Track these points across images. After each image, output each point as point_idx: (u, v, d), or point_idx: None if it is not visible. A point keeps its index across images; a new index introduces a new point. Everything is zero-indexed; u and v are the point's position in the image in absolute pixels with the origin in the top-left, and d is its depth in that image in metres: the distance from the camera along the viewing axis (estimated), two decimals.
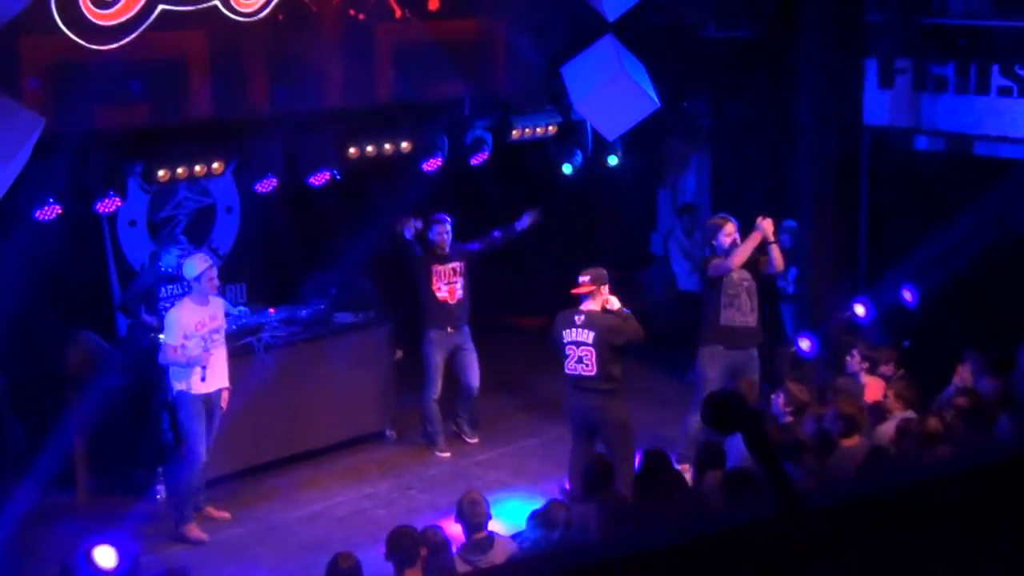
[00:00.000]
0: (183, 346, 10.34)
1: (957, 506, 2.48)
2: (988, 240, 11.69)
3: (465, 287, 12.10)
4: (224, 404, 10.71)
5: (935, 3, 12.70)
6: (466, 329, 12.19)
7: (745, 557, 2.25)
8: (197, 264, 10.51)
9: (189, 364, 10.37)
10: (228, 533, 10.70)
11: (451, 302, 12.04)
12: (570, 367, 10.42)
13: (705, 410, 2.63)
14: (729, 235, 11.15)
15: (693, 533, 2.24)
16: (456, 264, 12.07)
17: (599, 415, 10.43)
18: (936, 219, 12.13)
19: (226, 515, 10.93)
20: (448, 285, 12.03)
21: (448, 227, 11.97)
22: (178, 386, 10.47)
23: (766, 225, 11.07)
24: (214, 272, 10.53)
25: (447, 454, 12.15)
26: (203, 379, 10.43)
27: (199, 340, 10.43)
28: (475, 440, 12.44)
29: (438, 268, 11.98)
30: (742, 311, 11.17)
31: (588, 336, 10.29)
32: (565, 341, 10.40)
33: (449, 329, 12.06)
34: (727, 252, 11.15)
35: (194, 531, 10.57)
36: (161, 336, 10.52)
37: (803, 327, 12.11)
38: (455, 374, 12.27)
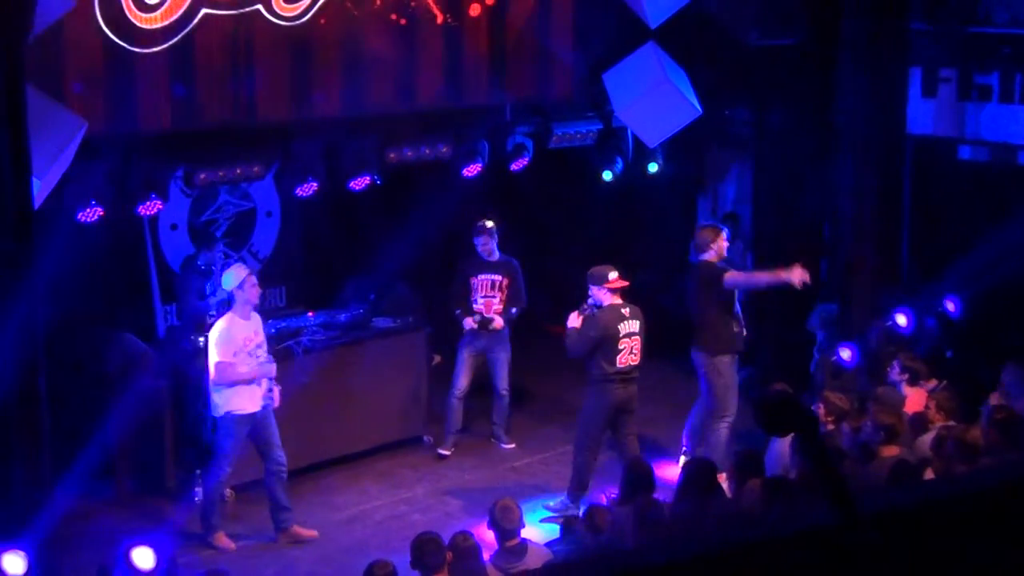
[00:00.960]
0: (232, 364, 10.21)
1: (1008, 516, 2.43)
2: None
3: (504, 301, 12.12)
4: (276, 401, 10.56)
5: (980, 12, 12.59)
6: (502, 332, 12.18)
7: (800, 564, 2.22)
8: (237, 273, 10.38)
9: (247, 381, 10.25)
10: (268, 535, 10.70)
11: (487, 314, 12.11)
12: (623, 360, 10.79)
13: (760, 414, 2.59)
14: (719, 246, 11.33)
15: (744, 540, 2.20)
16: (496, 277, 12.10)
17: (634, 403, 11.05)
18: (979, 229, 12.02)
19: (313, 533, 10.71)
20: (485, 299, 12.10)
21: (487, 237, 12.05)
22: (223, 408, 10.31)
23: (795, 277, 10.88)
24: (255, 279, 10.44)
25: (447, 452, 12.14)
26: (258, 396, 10.34)
27: (246, 356, 10.32)
28: (511, 446, 12.42)
29: (477, 279, 12.07)
30: (739, 320, 11.48)
31: (637, 327, 10.83)
32: (621, 334, 10.71)
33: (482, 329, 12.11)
34: (728, 262, 11.62)
35: (222, 540, 10.51)
36: (211, 354, 10.23)
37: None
38: (485, 378, 12.28)
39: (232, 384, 10.22)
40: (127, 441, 11.14)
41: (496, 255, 12.14)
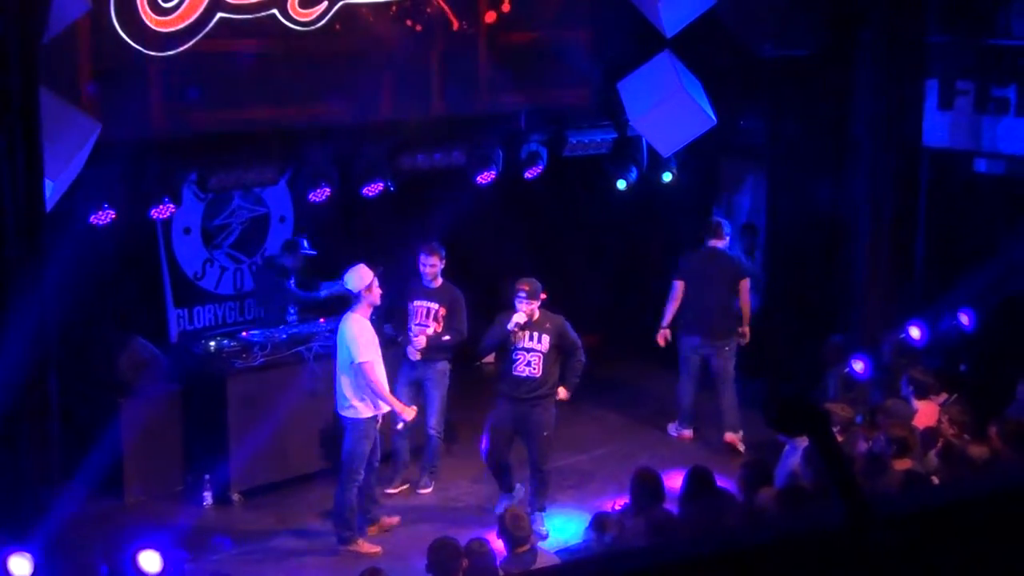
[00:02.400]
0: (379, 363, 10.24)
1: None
2: None
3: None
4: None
5: (999, 24, 12.54)
6: (436, 364, 11.35)
7: (811, 565, 2.19)
8: (364, 274, 10.27)
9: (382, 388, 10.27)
10: (275, 541, 10.69)
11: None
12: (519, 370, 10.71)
13: (773, 413, 2.56)
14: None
15: (755, 541, 2.17)
16: (433, 306, 11.33)
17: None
18: (995, 242, 11.98)
19: (395, 520, 10.86)
20: (419, 327, 11.31)
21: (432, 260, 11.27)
22: (358, 409, 10.24)
23: None
24: (377, 280, 10.37)
25: (394, 491, 11.41)
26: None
27: (378, 354, 10.35)
28: (427, 490, 11.49)
29: (414, 305, 11.38)
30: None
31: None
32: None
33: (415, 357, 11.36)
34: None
35: (365, 546, 10.41)
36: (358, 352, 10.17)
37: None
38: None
39: (379, 388, 10.22)
40: (137, 445, 11.12)
41: (439, 281, 11.28)
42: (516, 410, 10.71)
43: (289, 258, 12.09)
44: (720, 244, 12.65)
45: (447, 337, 11.25)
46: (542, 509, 10.86)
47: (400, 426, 10.89)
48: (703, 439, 12.69)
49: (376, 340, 10.33)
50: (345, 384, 10.28)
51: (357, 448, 10.28)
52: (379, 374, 10.27)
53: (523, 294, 10.54)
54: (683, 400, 12.79)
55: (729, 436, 12.49)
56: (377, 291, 10.28)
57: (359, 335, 10.20)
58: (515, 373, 10.66)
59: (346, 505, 10.36)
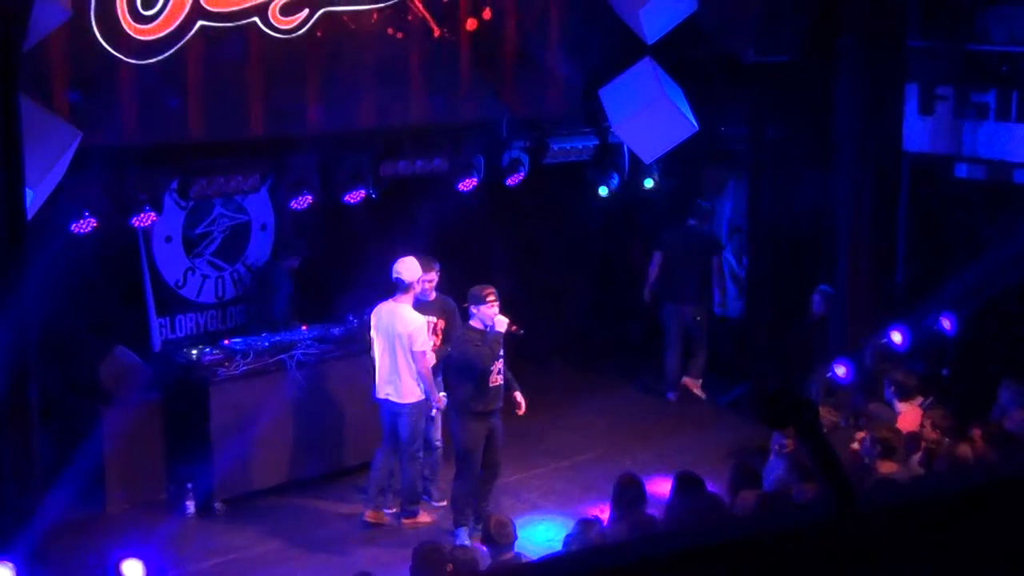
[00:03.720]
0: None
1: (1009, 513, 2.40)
2: None
3: None
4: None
5: (977, 30, 12.59)
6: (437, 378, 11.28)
7: (799, 556, 2.18)
8: (416, 266, 10.76)
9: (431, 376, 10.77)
10: (259, 550, 10.66)
11: None
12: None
13: (759, 405, 2.57)
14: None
15: (741, 535, 2.17)
16: (431, 319, 11.26)
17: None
18: (975, 247, 12.01)
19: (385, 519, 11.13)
20: None
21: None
22: (416, 392, 10.75)
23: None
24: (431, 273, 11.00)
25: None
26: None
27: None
28: (442, 504, 11.36)
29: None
30: None
31: None
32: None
33: None
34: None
35: (423, 517, 11.07)
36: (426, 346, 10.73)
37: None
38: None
39: (430, 373, 10.76)
40: (119, 454, 11.08)
41: (433, 295, 11.28)
42: (487, 425, 10.61)
43: (292, 260, 12.42)
44: (697, 223, 13.92)
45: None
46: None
47: (433, 412, 11.19)
48: (693, 441, 12.67)
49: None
50: (404, 370, 10.70)
51: (417, 427, 10.85)
52: (429, 364, 10.79)
53: (493, 297, 10.50)
54: (669, 367, 13.86)
55: (688, 380, 13.73)
56: (424, 284, 10.88)
57: (415, 325, 10.67)
58: (491, 385, 10.53)
59: (412, 481, 10.94)
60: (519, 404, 10.76)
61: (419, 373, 10.69)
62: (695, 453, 12.39)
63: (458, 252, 12.57)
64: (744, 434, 11.81)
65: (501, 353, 10.54)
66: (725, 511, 8.16)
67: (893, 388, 10.44)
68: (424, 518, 11.05)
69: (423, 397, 10.78)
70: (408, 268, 10.70)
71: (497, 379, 10.54)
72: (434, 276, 11.21)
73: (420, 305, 11.01)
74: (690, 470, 9.04)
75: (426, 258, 11.15)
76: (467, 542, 10.18)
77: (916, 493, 2.42)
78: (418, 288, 10.74)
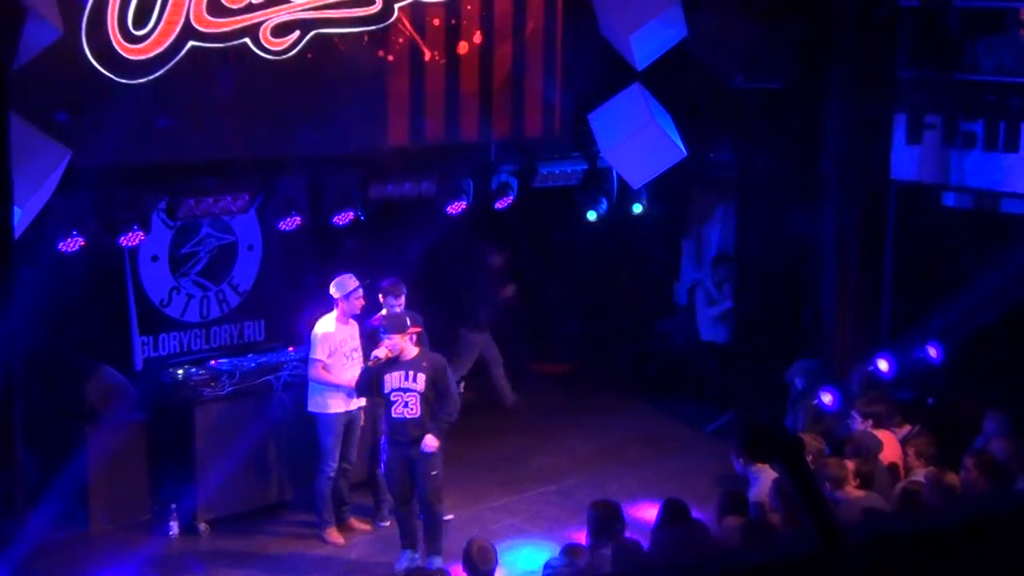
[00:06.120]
0: (327, 363, 10.93)
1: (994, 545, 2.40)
2: (1014, 298, 11.58)
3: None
4: (362, 420, 11.29)
5: (966, 59, 12.64)
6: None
7: None
8: (348, 283, 11.06)
9: (337, 387, 10.97)
10: (244, 571, 10.62)
11: None
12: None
13: (745, 439, 2.56)
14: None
15: (728, 567, 2.16)
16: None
17: None
18: (962, 276, 12.03)
19: (367, 527, 11.48)
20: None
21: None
22: (319, 405, 11.05)
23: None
24: (361, 292, 11.11)
25: (340, 541, 11.28)
26: (349, 396, 10.99)
27: (341, 357, 11.02)
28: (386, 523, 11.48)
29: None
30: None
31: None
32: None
33: None
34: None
35: (333, 534, 11.18)
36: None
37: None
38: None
39: (325, 384, 10.97)
40: (103, 473, 11.04)
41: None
42: (404, 454, 10.48)
43: None
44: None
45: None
46: (438, 552, 10.52)
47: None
48: (679, 466, 12.66)
49: (337, 341, 11.04)
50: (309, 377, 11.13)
51: (323, 440, 11.07)
52: (322, 374, 10.97)
53: (383, 328, 10.52)
54: None
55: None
56: (356, 302, 11.07)
57: (316, 334, 11.03)
58: (394, 416, 10.43)
59: (320, 494, 11.12)
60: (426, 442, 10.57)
61: (311, 379, 11.10)
62: (681, 480, 12.39)
63: (447, 274, 12.57)
64: (730, 461, 11.80)
65: (398, 386, 10.41)
66: (710, 538, 8.14)
67: (868, 420, 10.42)
68: (333, 535, 11.18)
69: (327, 412, 11.05)
70: (338, 285, 11.09)
71: (402, 411, 10.41)
72: (403, 300, 11.14)
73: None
74: (676, 497, 9.02)
75: (394, 284, 11.20)
76: (407, 563, 10.48)
77: (900, 527, 2.41)
78: (349, 305, 11.04)
